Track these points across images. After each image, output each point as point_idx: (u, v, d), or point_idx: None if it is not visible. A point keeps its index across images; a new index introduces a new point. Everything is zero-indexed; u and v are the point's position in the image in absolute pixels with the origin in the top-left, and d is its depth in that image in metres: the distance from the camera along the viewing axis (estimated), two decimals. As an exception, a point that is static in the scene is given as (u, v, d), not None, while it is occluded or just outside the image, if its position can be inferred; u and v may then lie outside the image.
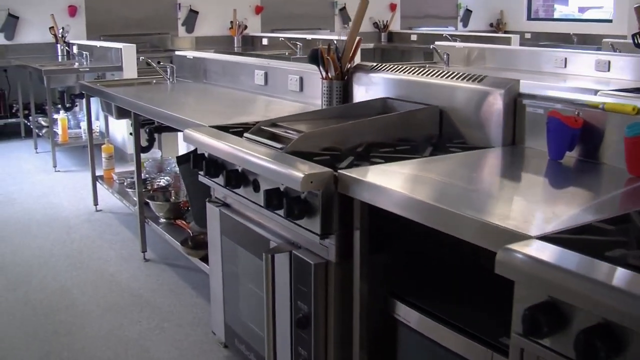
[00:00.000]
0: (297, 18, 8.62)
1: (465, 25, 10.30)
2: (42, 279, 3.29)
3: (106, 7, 7.40)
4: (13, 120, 6.80)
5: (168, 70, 4.14)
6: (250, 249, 2.16)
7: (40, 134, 6.19)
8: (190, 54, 4.26)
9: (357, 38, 2.70)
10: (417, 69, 2.46)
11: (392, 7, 9.47)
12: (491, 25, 10.42)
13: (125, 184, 4.03)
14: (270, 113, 2.83)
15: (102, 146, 4.34)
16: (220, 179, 2.18)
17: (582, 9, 11.14)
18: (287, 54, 7.13)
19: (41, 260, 3.53)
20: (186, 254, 2.85)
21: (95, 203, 4.35)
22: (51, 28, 6.94)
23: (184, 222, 3.24)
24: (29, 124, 6.60)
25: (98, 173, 4.30)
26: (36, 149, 6.25)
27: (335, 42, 2.64)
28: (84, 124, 5.74)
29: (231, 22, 8.12)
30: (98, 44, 6.18)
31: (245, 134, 2.17)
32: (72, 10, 7.18)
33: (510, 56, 5.16)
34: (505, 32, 10.08)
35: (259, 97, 3.28)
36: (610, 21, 8.93)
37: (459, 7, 10.24)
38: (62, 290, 3.17)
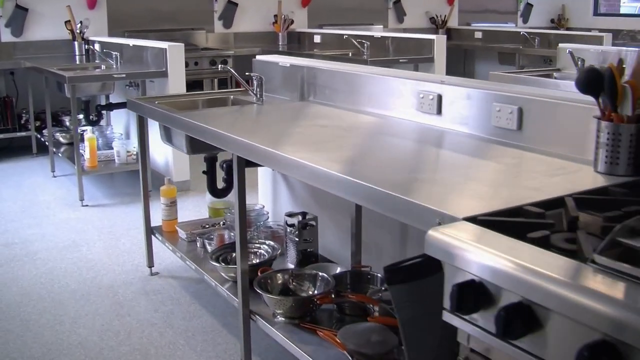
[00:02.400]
0: (347, 12, 7.46)
1: (525, 21, 9.17)
2: (98, 414, 2.14)
3: (131, -3, 6.24)
4: (23, 133, 5.58)
5: (255, 82, 2.99)
6: None
7: (60, 154, 4.99)
8: (285, 60, 3.09)
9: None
10: None
11: (450, 1, 8.31)
12: (552, 21, 9.31)
13: (199, 244, 2.87)
14: (508, 177, 1.68)
15: (161, 188, 3.15)
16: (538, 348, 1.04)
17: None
18: (350, 54, 5.98)
19: (91, 372, 2.38)
20: (358, 407, 1.71)
21: (150, 264, 3.19)
22: (67, 22, 5.79)
23: (326, 331, 2.07)
24: (42, 138, 5.41)
25: (149, 216, 3.14)
26: (53, 171, 5.04)
27: (651, 56, 1.51)
28: (116, 144, 4.55)
29: (275, 16, 6.95)
30: (131, 42, 4.98)
31: (598, 257, 1.03)
32: (92, 2, 5.99)
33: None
34: (568, 28, 9.01)
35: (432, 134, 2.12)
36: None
37: (520, 2, 9.10)
38: None
